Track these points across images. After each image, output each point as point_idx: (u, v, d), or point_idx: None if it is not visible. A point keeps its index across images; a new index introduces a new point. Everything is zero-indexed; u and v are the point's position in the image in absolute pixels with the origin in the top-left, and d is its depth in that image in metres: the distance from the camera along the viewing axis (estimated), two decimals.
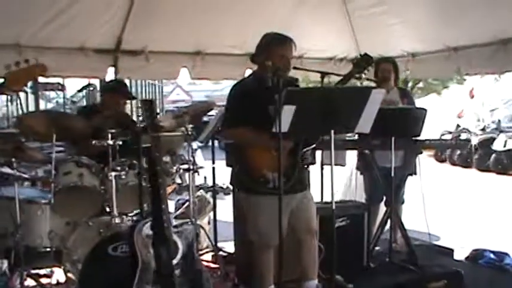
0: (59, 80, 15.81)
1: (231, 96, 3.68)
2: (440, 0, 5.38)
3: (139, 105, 2.86)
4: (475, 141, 14.63)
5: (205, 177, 6.91)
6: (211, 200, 5.50)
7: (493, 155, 13.95)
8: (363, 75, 3.60)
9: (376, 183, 5.15)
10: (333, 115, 3.24)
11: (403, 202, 5.41)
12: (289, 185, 3.52)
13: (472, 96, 17.89)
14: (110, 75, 5.86)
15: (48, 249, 3.90)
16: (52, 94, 18.75)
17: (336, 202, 3.59)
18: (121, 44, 5.67)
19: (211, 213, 5.40)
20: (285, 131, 3.10)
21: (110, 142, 3.67)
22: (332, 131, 3.27)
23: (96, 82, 15.19)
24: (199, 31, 5.88)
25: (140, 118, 2.87)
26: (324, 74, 3.59)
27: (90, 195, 3.76)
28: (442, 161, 15.99)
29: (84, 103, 17.18)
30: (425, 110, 4.74)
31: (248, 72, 6.58)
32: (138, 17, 5.41)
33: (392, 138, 4.61)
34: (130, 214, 3.90)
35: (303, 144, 3.62)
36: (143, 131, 2.89)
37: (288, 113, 3.07)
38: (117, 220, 3.65)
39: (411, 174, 5.30)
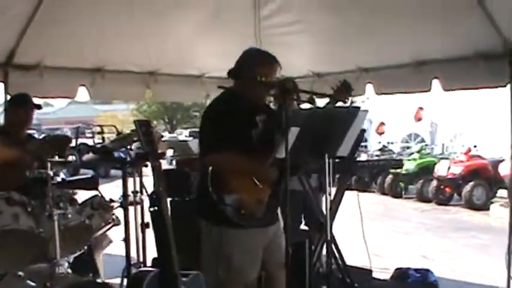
0: None
1: (209, 117, 3.20)
2: (357, 22, 5.34)
3: (135, 126, 2.30)
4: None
5: None
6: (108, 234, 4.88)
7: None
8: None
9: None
10: (324, 138, 2.95)
11: None
12: (269, 217, 3.18)
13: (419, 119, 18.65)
14: None
15: None
16: None
17: None
18: (14, 56, 4.86)
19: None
20: (282, 156, 2.72)
21: (50, 172, 2.98)
22: (326, 155, 2.96)
23: None
24: (100, 47, 5.32)
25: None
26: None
27: (26, 239, 3.00)
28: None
29: None
30: None
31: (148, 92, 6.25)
32: (38, 27, 4.68)
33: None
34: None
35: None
36: (141, 160, 2.32)
37: (291, 136, 2.71)
38: (62, 269, 2.96)
39: None
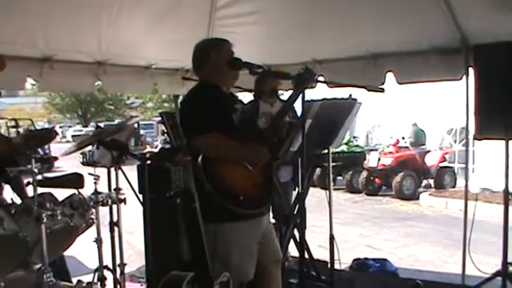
0: None
1: (204, 97, 3.03)
2: (313, 14, 5.33)
3: (162, 119, 2.11)
4: None
5: None
6: None
7: None
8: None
9: None
10: (328, 129, 2.91)
11: None
12: (264, 202, 3.08)
13: None
14: None
15: None
16: None
17: None
18: None
19: None
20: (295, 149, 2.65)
21: (35, 170, 2.72)
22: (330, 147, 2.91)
23: None
24: (49, 36, 4.96)
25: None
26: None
27: (10, 245, 2.72)
28: None
29: None
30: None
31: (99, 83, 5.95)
32: None
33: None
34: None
35: None
36: (172, 155, 2.13)
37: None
38: (50, 276, 2.72)
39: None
